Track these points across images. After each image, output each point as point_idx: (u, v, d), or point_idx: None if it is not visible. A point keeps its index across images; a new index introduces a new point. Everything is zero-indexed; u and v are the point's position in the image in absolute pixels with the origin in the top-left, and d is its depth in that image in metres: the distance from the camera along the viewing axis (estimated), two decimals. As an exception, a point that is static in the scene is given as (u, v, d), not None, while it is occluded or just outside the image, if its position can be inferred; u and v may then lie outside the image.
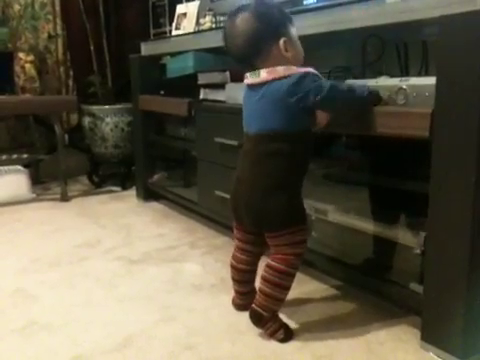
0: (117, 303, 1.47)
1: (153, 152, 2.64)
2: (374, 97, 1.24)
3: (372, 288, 1.46)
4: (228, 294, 1.43)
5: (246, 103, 1.30)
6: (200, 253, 1.86)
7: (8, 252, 1.93)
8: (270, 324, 1.26)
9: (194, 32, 2.24)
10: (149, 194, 2.65)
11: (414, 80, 1.27)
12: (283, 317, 1.31)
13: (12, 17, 2.95)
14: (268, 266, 1.25)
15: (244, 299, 1.40)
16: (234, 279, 1.39)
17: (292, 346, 1.23)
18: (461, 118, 1.05)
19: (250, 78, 1.25)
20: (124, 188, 2.95)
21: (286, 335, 1.26)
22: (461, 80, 1.04)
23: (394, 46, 1.72)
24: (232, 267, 1.39)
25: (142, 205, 2.62)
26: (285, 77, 1.18)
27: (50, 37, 3.03)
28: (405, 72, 1.72)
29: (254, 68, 1.23)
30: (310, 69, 1.21)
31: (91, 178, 3.02)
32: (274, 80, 1.19)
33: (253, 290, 1.40)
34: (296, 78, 1.17)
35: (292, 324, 1.31)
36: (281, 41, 1.21)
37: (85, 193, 2.87)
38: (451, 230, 1.10)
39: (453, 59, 1.06)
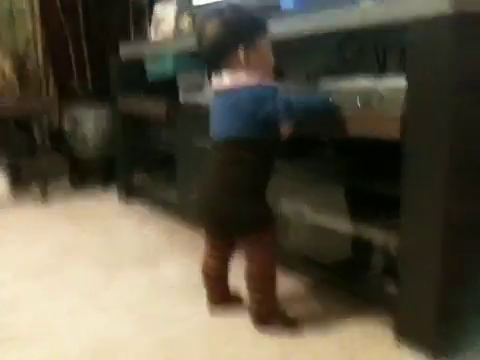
0: (96, 313, 1.46)
1: (134, 154, 2.64)
2: (332, 106, 1.28)
3: (348, 288, 1.48)
4: (206, 293, 1.44)
5: (213, 109, 1.33)
6: (180, 256, 1.87)
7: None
8: (273, 320, 1.30)
9: (173, 35, 2.25)
10: (130, 196, 2.65)
11: (388, 82, 1.30)
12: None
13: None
14: (246, 273, 1.30)
15: (219, 295, 1.43)
16: (207, 285, 1.42)
17: (269, 348, 1.24)
18: (431, 120, 1.08)
19: (215, 83, 1.29)
20: (106, 190, 2.94)
21: (294, 324, 1.31)
22: (430, 83, 1.07)
23: (373, 49, 1.74)
24: (204, 273, 1.41)
25: (124, 207, 2.62)
26: (245, 87, 1.22)
27: (28, 42, 3.00)
28: (383, 75, 1.75)
29: (220, 72, 1.27)
30: (270, 84, 1.24)
31: (72, 180, 3.01)
32: (236, 89, 1.23)
33: (227, 290, 1.44)
34: (255, 93, 1.21)
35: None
36: (240, 50, 1.24)
37: (67, 195, 2.86)
38: (423, 231, 1.13)
39: (422, 62, 1.08)
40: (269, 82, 1.25)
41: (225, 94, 1.26)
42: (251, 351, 1.24)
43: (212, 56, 1.28)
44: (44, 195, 2.68)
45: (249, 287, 1.30)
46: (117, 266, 1.80)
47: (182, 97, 2.12)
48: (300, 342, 1.25)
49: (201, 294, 1.45)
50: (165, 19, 2.36)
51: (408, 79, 1.12)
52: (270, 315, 1.31)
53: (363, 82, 1.43)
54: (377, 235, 1.40)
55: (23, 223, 2.36)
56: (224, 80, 1.26)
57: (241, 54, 1.24)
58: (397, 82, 1.26)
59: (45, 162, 2.69)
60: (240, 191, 1.23)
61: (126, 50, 2.56)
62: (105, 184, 2.96)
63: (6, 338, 1.34)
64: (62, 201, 2.74)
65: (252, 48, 1.25)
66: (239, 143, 1.23)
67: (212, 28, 1.25)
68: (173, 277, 1.68)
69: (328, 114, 1.28)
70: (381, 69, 1.74)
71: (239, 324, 1.35)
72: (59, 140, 3.05)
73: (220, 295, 1.43)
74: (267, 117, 1.20)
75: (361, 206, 1.49)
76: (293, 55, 1.86)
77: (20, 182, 3.00)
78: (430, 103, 1.07)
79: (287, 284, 1.56)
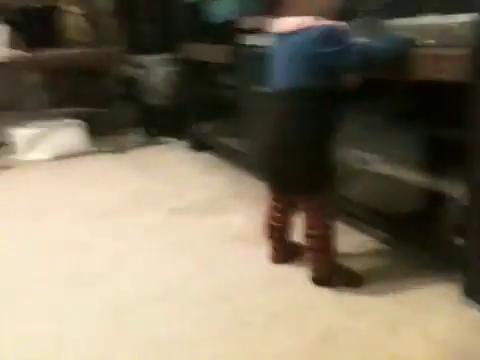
0: (161, 254, 1.52)
1: (202, 101, 2.61)
2: (404, 47, 1.16)
3: (416, 242, 1.40)
4: (265, 246, 1.42)
5: (273, 55, 1.24)
6: (245, 204, 1.86)
7: (64, 203, 2.02)
8: (337, 279, 1.26)
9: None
10: (201, 145, 2.65)
11: (463, 17, 1.16)
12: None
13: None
14: (305, 235, 1.26)
15: (281, 253, 1.40)
16: (270, 235, 1.39)
17: (326, 299, 1.22)
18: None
19: (277, 26, 1.19)
20: (179, 138, 2.95)
21: (358, 282, 1.26)
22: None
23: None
24: (267, 225, 1.38)
25: (194, 156, 2.63)
26: (309, 29, 1.11)
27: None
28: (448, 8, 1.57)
29: (282, 14, 1.18)
30: (338, 24, 1.12)
31: (147, 129, 3.05)
32: (299, 31, 1.13)
33: (290, 245, 1.40)
34: (318, 34, 1.10)
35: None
36: None
37: (141, 144, 2.90)
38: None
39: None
40: (334, 24, 1.13)
41: (287, 37, 1.16)
42: (307, 302, 1.22)
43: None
44: (120, 144, 2.74)
45: (307, 246, 1.27)
46: (182, 212, 1.83)
47: (244, 40, 2.04)
48: (362, 299, 1.21)
49: (261, 242, 1.44)
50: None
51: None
52: (330, 274, 1.26)
53: (429, 19, 1.28)
54: (448, 186, 1.30)
55: (97, 171, 2.45)
56: (286, 22, 1.16)
57: None
58: (458, 17, 1.12)
59: (119, 112, 2.74)
60: (300, 146, 1.17)
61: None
62: (177, 133, 2.97)
63: (73, 274, 1.42)
64: (136, 150, 2.79)
65: None
66: (301, 93, 1.15)
67: None
68: (235, 225, 1.68)
69: (402, 54, 1.16)
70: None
71: (299, 274, 1.32)
72: (131, 89, 3.09)
73: (283, 251, 1.39)
74: (332, 61, 1.11)
75: (432, 155, 1.39)
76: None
77: (98, 132, 3.10)
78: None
79: (354, 238, 1.51)
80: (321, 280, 1.26)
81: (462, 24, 1.14)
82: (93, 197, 2.07)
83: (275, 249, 1.40)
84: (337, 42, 1.09)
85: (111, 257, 1.51)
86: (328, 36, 1.09)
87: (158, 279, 1.37)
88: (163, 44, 2.97)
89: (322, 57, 1.10)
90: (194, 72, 2.59)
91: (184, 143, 2.82)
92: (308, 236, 1.25)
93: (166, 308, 1.23)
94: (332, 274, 1.26)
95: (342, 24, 1.13)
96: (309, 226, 1.24)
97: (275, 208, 1.35)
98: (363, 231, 1.55)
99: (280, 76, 1.20)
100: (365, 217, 1.52)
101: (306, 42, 1.11)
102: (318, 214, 1.21)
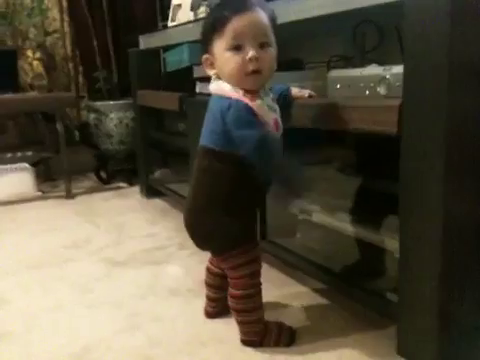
0: (86, 310, 1.41)
1: (155, 147, 2.57)
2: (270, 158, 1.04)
3: (354, 295, 1.34)
4: (203, 299, 1.34)
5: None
6: (187, 254, 1.78)
7: (-5, 252, 1.91)
8: (267, 339, 1.18)
9: (188, 22, 2.16)
10: (151, 191, 2.59)
11: (398, 69, 1.15)
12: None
13: (18, 14, 2.94)
14: (229, 295, 1.18)
15: (215, 306, 1.32)
16: (207, 283, 1.32)
17: (256, 359, 1.13)
18: (429, 112, 0.93)
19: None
20: (131, 184, 2.90)
21: (290, 338, 1.18)
22: (429, 69, 0.92)
23: (394, 32, 1.59)
24: (207, 270, 1.31)
25: (144, 202, 2.56)
26: (216, 95, 1.08)
27: (47, 34, 3.00)
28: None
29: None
30: (255, 103, 1.03)
31: (98, 175, 2.99)
32: (212, 95, 1.10)
33: (225, 297, 1.32)
34: (224, 108, 1.03)
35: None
36: (203, 57, 1.10)
37: (92, 190, 2.84)
38: (422, 235, 0.98)
39: (421, 46, 0.93)
40: (243, 98, 1.04)
41: (210, 98, 1.12)
42: (233, 354, 1.14)
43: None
44: (68, 190, 2.65)
45: (231, 307, 1.19)
46: (119, 263, 1.74)
47: (198, 88, 2.02)
48: (295, 358, 1.13)
49: (196, 295, 1.39)
50: (182, 6, 2.27)
51: (405, 64, 0.98)
52: (259, 335, 1.18)
53: (372, 69, 1.28)
54: (385, 239, 1.26)
55: (40, 218, 2.34)
56: (210, 84, 1.12)
57: (203, 63, 1.10)
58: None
59: (71, 157, 2.67)
60: (208, 203, 1.11)
61: (145, 41, 2.50)
62: (130, 178, 2.92)
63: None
64: (86, 196, 2.72)
65: (211, 54, 1.08)
66: (208, 152, 1.09)
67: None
68: (173, 277, 1.61)
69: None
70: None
71: (231, 333, 1.23)
72: (85, 134, 3.04)
73: (218, 303, 1.31)
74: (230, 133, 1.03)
75: (373, 207, 1.35)
76: (312, 39, 1.74)
77: (47, 177, 3.02)
78: (429, 91, 0.93)
79: (291, 289, 1.45)
80: (249, 342, 1.18)
81: (394, 75, 1.12)
82: (28, 246, 1.96)
83: (210, 299, 1.32)
84: (229, 115, 1.02)
85: (31, 314, 1.40)
86: (221, 107, 1.04)
87: (77, 338, 1.26)
88: (119, 90, 2.96)
89: (218, 126, 1.05)
90: (148, 118, 2.55)
91: (135, 189, 2.75)
92: (230, 296, 1.17)
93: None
94: (261, 334, 1.18)
95: (259, 103, 1.05)
96: (231, 285, 1.16)
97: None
98: (301, 282, 1.49)
99: (202, 134, 1.14)
100: (303, 267, 1.46)
101: (216, 111, 1.06)
102: (239, 273, 1.14)
